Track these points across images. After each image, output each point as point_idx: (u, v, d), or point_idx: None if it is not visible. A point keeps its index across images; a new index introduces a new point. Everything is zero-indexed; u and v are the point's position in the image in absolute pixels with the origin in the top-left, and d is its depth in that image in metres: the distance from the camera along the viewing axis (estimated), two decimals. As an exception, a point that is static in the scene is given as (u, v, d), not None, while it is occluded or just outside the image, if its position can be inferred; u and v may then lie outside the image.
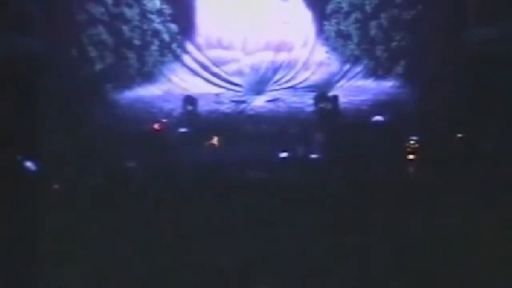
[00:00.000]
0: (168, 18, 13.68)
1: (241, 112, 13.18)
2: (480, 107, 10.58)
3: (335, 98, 12.79)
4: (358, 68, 13.72)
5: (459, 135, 10.53)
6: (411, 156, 10.22)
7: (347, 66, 13.76)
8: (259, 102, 13.38)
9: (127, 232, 7.15)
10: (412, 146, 10.39)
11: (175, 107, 13.07)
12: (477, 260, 6.56)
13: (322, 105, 12.79)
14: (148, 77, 13.70)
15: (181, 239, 7.13)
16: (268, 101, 13.41)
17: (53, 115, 10.56)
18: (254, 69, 13.82)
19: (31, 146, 9.08)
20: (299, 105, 13.22)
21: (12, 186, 7.63)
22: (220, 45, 13.92)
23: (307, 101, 13.20)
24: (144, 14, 13.60)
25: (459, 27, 12.36)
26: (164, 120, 12.47)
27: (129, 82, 13.55)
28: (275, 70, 13.81)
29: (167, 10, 13.64)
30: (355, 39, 13.69)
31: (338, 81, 13.69)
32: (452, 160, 9.12)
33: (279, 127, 12.20)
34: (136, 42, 13.59)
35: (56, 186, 8.57)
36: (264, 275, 6.73)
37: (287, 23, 13.86)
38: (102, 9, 13.33)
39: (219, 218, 7.42)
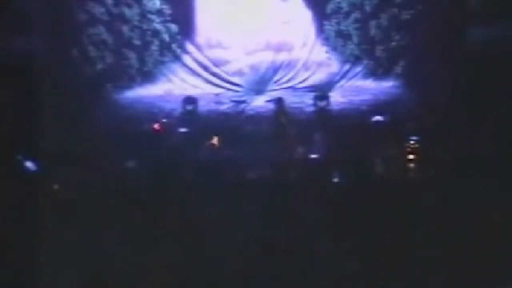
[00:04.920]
0: (168, 18, 13.67)
1: (241, 112, 13.18)
2: (480, 107, 10.58)
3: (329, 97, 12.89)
4: (358, 68, 13.71)
5: (459, 135, 10.54)
6: (411, 156, 10.23)
7: (347, 66, 13.74)
8: (259, 102, 13.37)
9: (127, 232, 7.16)
10: (412, 146, 10.40)
11: (175, 107, 13.07)
12: (477, 260, 6.57)
13: (321, 104, 12.83)
14: (148, 77, 13.68)
15: (181, 239, 7.14)
16: (268, 101, 13.40)
17: (53, 115, 10.57)
18: (254, 69, 13.81)
19: (31, 146, 9.08)
20: (299, 105, 13.22)
21: (12, 186, 7.63)
22: (220, 45, 13.90)
23: (307, 101, 13.21)
24: (144, 14, 13.59)
25: (459, 27, 12.36)
26: (164, 120, 12.47)
27: (130, 82, 13.55)
28: (275, 70, 13.80)
29: (167, 10, 13.63)
30: (355, 39, 13.68)
31: (338, 81, 13.68)
32: (452, 160, 9.13)
33: (279, 127, 12.21)
34: (136, 42, 13.59)
35: (56, 186, 8.58)
36: (264, 274, 6.73)
37: (287, 23, 13.85)
38: (102, 9, 13.33)
39: (219, 218, 7.42)
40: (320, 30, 13.79)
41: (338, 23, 13.70)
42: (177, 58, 13.83)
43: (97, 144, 10.60)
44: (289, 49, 13.85)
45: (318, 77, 13.77)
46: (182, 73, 13.86)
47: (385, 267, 6.75)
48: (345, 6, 13.60)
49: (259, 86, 13.72)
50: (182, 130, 12.14)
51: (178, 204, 7.74)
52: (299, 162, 10.75)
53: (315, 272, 6.80)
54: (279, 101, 12.80)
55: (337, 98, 13.22)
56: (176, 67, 13.84)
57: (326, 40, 13.80)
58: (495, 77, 10.58)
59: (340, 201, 7.81)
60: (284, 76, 13.80)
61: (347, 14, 13.62)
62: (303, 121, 12.52)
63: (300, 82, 13.77)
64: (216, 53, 13.90)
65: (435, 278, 6.59)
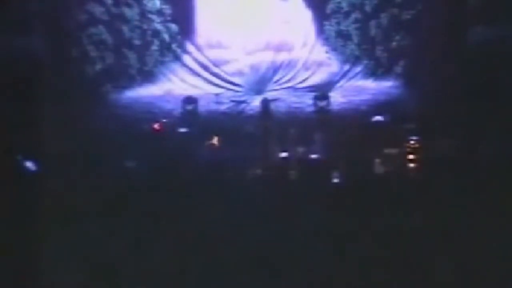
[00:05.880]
0: (168, 18, 13.68)
1: (241, 112, 13.18)
2: (480, 107, 10.58)
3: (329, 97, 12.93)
4: (358, 68, 13.71)
5: (459, 135, 10.54)
6: (411, 156, 10.23)
7: (347, 66, 13.75)
8: (259, 102, 13.36)
9: (127, 232, 7.16)
10: (412, 146, 10.41)
11: (175, 107, 13.08)
12: (476, 261, 6.57)
13: (321, 104, 12.85)
14: (148, 77, 13.70)
15: (181, 239, 7.14)
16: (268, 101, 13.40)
17: (53, 115, 10.56)
18: (254, 69, 13.81)
19: (31, 146, 9.08)
20: (299, 105, 13.23)
21: (12, 186, 7.63)
22: (220, 45, 13.92)
23: (307, 101, 13.22)
24: (144, 14, 13.60)
25: (459, 27, 12.36)
26: (164, 120, 12.48)
27: (129, 82, 13.56)
28: (275, 70, 13.81)
29: (167, 10, 13.64)
30: (355, 39, 13.68)
31: (338, 81, 13.69)
32: (452, 160, 9.13)
33: (279, 127, 12.21)
34: (136, 42, 13.60)
35: (56, 186, 8.57)
36: (264, 274, 6.73)
37: (287, 23, 13.86)
38: (102, 9, 13.34)
39: (219, 218, 7.42)
40: (320, 30, 13.80)
41: (338, 23, 13.71)
42: (177, 58, 13.85)
43: (97, 144, 10.59)
44: (289, 49, 13.86)
45: (318, 77, 13.78)
46: (182, 73, 13.87)
47: (384, 267, 6.75)
48: (345, 6, 13.62)
49: (259, 86, 13.73)
50: (182, 130, 12.14)
51: (178, 204, 7.73)
52: (299, 162, 10.75)
53: (315, 271, 6.80)
54: (265, 102, 12.87)
55: (337, 98, 13.23)
56: (176, 67, 13.86)
57: (326, 40, 13.82)
58: (495, 77, 10.57)
59: (340, 201, 7.80)
60: (284, 76, 13.80)
61: (347, 14, 13.63)
62: (303, 121, 12.52)
63: (300, 82, 13.78)
64: (216, 53, 13.91)
65: (436, 278, 6.59)
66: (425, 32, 13.08)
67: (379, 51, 13.61)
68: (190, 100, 13.00)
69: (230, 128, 12.15)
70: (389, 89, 13.35)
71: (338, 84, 13.65)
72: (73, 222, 7.33)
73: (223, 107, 13.28)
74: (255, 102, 13.34)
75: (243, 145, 11.05)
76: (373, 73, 13.63)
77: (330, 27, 13.75)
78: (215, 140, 11.44)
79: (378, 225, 7.22)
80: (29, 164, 8.76)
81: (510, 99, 10.08)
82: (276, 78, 13.80)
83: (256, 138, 11.68)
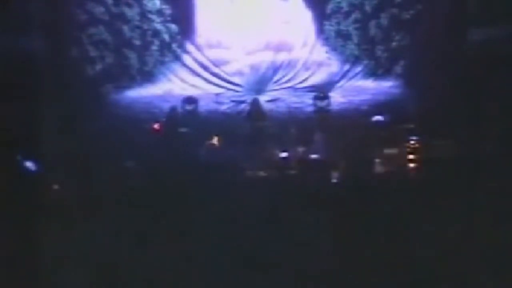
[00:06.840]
0: (168, 18, 13.69)
1: (241, 112, 13.19)
2: (480, 107, 10.58)
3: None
4: (358, 68, 13.72)
5: (459, 135, 10.55)
6: (411, 156, 10.24)
7: (347, 66, 13.75)
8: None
9: (126, 232, 7.16)
10: (412, 146, 10.41)
11: (175, 107, 13.07)
12: (478, 262, 6.57)
13: (321, 105, 12.86)
14: (148, 77, 13.71)
15: (181, 239, 7.14)
16: (268, 101, 13.42)
17: (53, 115, 10.57)
18: (254, 69, 13.81)
19: (31, 146, 9.08)
20: (299, 105, 13.23)
21: (12, 186, 7.64)
22: (220, 45, 13.92)
23: (307, 101, 13.22)
24: (144, 14, 13.61)
25: (459, 27, 12.37)
26: (164, 120, 12.48)
27: (130, 82, 13.56)
28: (275, 70, 13.81)
29: (167, 10, 13.65)
30: (355, 39, 13.69)
31: (338, 81, 13.69)
32: (452, 160, 9.13)
33: (279, 127, 12.22)
34: (136, 42, 13.61)
35: (56, 187, 8.58)
36: (264, 274, 6.74)
37: (287, 23, 13.86)
38: (102, 9, 13.35)
39: (218, 218, 7.43)
40: (320, 30, 13.80)
41: (338, 23, 13.71)
42: (177, 58, 13.85)
43: (97, 144, 10.60)
44: (289, 49, 13.86)
45: (318, 77, 13.78)
46: (182, 73, 13.87)
47: (384, 267, 6.75)
48: (345, 6, 13.62)
49: (259, 86, 13.73)
50: (182, 130, 12.15)
51: (178, 204, 7.74)
52: (299, 162, 10.76)
53: (314, 271, 6.81)
54: (255, 102, 12.90)
55: (337, 98, 13.23)
56: (176, 67, 13.86)
57: (326, 40, 13.82)
58: (495, 77, 10.58)
59: (339, 201, 7.81)
60: (284, 76, 13.81)
61: (347, 14, 13.64)
62: (303, 121, 12.53)
63: (300, 82, 13.78)
64: (216, 53, 13.91)
65: (436, 278, 6.59)
66: (425, 32, 13.08)
67: (379, 51, 13.61)
68: (190, 100, 13.02)
69: (230, 128, 12.15)
70: (389, 89, 13.36)
71: (338, 84, 13.66)
72: (73, 222, 7.33)
73: (223, 107, 13.29)
74: (255, 102, 13.38)
75: (243, 145, 11.06)
76: (373, 73, 13.63)
77: (330, 27, 13.75)
78: (215, 140, 11.44)
79: (378, 225, 7.22)
80: (29, 164, 8.76)
81: (510, 99, 10.08)
82: (276, 78, 13.80)
83: (256, 138, 11.69)
